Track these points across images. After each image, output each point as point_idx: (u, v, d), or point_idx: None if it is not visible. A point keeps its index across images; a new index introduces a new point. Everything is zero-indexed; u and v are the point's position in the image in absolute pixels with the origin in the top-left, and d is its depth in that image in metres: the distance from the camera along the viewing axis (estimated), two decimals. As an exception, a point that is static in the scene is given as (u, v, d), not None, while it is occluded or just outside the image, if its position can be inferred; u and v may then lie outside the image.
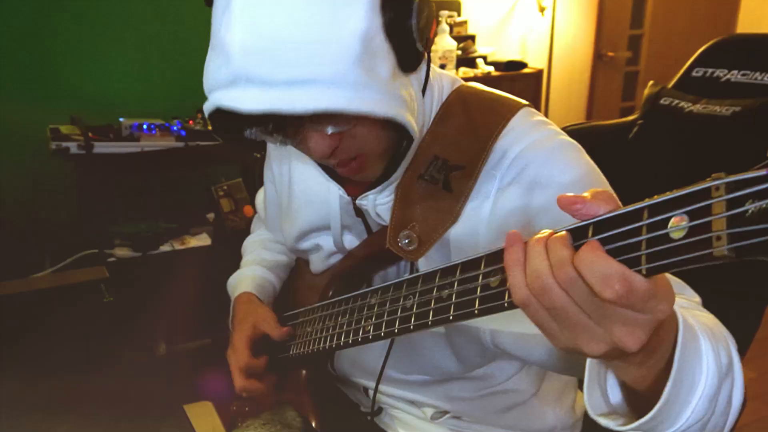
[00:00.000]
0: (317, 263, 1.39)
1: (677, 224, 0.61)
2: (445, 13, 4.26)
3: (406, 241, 1.13)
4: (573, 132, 1.76)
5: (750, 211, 0.56)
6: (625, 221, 0.68)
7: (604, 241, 0.68)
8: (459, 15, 4.49)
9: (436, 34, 1.11)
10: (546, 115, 4.82)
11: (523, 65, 4.38)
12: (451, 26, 4.25)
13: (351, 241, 1.31)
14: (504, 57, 4.51)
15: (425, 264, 1.18)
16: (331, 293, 1.32)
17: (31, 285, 2.46)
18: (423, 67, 1.11)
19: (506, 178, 1.11)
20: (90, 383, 1.17)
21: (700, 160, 1.55)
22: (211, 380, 1.45)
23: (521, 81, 4.33)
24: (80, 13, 3.41)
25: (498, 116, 1.16)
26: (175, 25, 3.64)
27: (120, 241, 3.38)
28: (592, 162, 1.16)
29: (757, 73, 1.52)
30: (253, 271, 1.53)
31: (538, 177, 1.09)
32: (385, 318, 1.06)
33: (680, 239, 0.62)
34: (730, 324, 1.41)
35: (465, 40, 4.39)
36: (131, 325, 2.38)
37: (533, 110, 1.21)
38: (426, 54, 1.05)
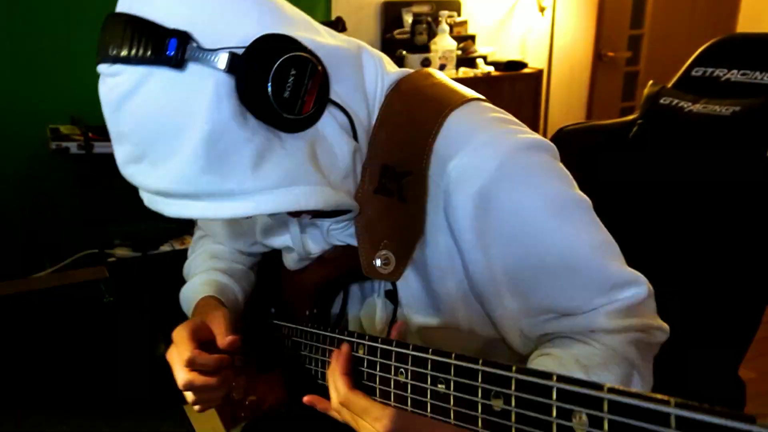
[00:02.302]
0: (290, 263, 1.32)
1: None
2: (445, 13, 4.26)
3: (383, 262, 1.07)
4: (573, 132, 1.77)
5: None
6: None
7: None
8: (459, 15, 4.49)
9: (322, 89, 0.97)
10: (546, 115, 4.85)
11: (523, 65, 4.38)
12: (451, 26, 4.26)
13: (317, 242, 1.22)
14: (504, 57, 4.51)
15: (403, 286, 1.15)
16: (313, 311, 1.28)
17: (31, 285, 2.46)
18: (329, 112, 1.01)
19: (452, 199, 1.04)
20: (90, 383, 1.16)
21: (700, 159, 1.55)
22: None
23: (521, 81, 4.32)
24: (81, 14, 3.41)
25: (435, 112, 1.08)
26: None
27: (120, 241, 3.38)
28: (557, 170, 1.08)
29: (757, 73, 1.53)
30: (209, 276, 1.39)
31: (489, 205, 1.01)
32: (378, 385, 1.00)
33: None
34: (729, 325, 1.42)
35: (465, 40, 4.39)
36: (131, 325, 2.39)
37: (483, 105, 1.13)
38: (313, 108, 0.96)
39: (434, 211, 1.07)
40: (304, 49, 0.93)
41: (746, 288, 1.43)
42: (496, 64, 4.32)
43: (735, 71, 1.57)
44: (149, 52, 0.88)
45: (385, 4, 4.32)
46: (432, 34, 4.15)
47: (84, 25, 3.43)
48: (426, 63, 4.04)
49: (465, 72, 4.17)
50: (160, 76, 0.89)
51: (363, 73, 1.08)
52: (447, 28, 4.14)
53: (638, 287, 1.06)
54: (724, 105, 1.50)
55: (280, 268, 1.35)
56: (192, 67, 0.88)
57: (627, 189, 1.65)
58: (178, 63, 0.87)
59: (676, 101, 1.58)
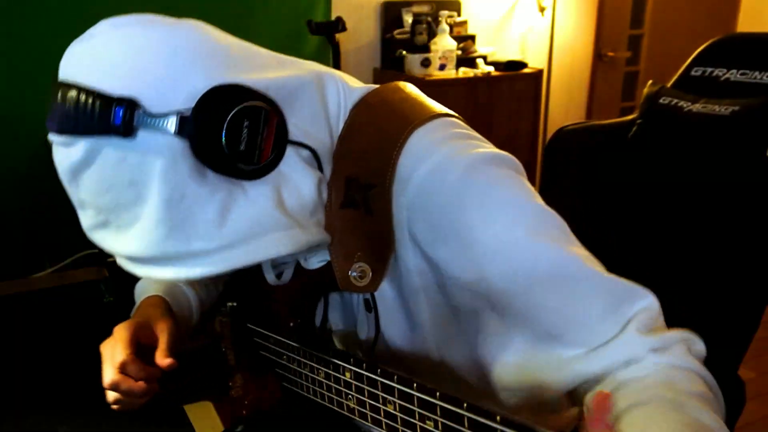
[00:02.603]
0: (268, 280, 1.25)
1: None
2: (445, 13, 4.27)
3: (358, 275, 1.04)
4: (572, 131, 1.78)
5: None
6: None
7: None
8: (459, 15, 4.50)
9: (279, 132, 0.95)
10: (546, 114, 4.86)
11: (523, 65, 4.38)
12: (451, 26, 4.26)
13: (292, 269, 1.19)
14: (504, 57, 4.52)
15: (380, 297, 1.13)
16: (297, 321, 1.24)
17: (30, 285, 2.47)
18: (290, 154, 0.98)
19: (413, 212, 1.03)
20: (90, 383, 1.16)
21: (699, 159, 1.55)
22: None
23: (521, 81, 4.33)
24: (80, 14, 3.41)
25: (400, 127, 1.06)
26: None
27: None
28: (521, 184, 1.04)
29: (756, 72, 1.53)
30: (165, 280, 1.33)
31: (443, 221, 1.00)
32: (369, 412, 0.99)
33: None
34: (729, 325, 1.42)
35: (465, 40, 4.39)
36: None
37: (449, 120, 1.10)
38: (272, 154, 0.94)
39: (399, 227, 1.05)
40: (255, 95, 0.91)
41: (746, 288, 1.44)
42: (496, 64, 4.33)
43: (734, 71, 1.57)
44: (96, 123, 0.85)
45: (385, 4, 4.32)
46: (432, 34, 4.16)
47: (84, 25, 3.44)
48: (426, 63, 4.04)
49: (465, 72, 4.17)
50: (111, 145, 0.87)
51: (325, 96, 1.06)
52: (447, 28, 4.14)
53: (647, 297, 1.01)
54: (723, 105, 1.51)
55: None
56: (142, 134, 0.86)
57: (627, 189, 1.65)
58: (127, 132, 0.85)
59: (675, 101, 1.59)
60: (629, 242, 1.61)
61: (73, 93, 0.87)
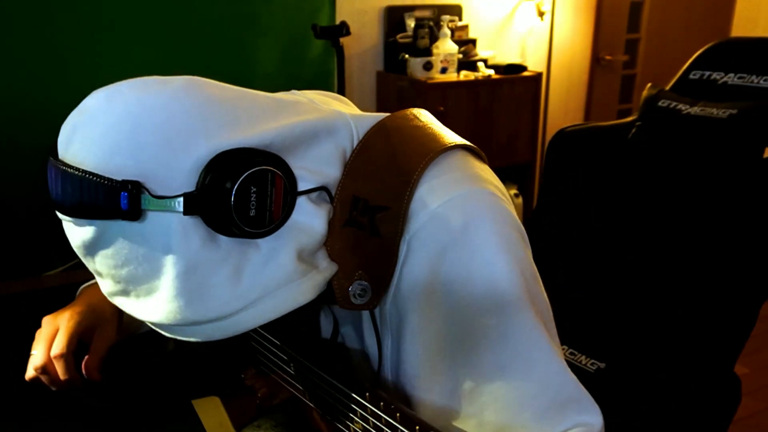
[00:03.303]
0: None
1: None
2: (446, 17, 4.27)
3: (358, 294, 0.99)
4: (572, 133, 1.78)
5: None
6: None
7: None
8: (460, 19, 4.50)
9: (287, 189, 0.91)
10: (545, 117, 4.86)
11: (523, 68, 4.38)
12: (453, 30, 4.26)
13: None
14: (504, 60, 4.52)
15: (381, 316, 1.07)
16: (300, 329, 1.23)
17: (43, 283, 2.48)
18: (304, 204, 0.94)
19: (417, 239, 0.97)
20: (101, 377, 1.17)
21: (697, 160, 1.56)
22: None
23: (521, 84, 4.33)
24: (89, 19, 3.42)
25: (422, 151, 1.01)
26: (184, 32, 3.65)
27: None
28: (522, 253, 1.00)
29: (754, 76, 1.54)
30: None
31: (445, 264, 0.95)
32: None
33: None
34: (726, 323, 1.42)
35: (466, 43, 4.39)
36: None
37: (469, 155, 1.07)
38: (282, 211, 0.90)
39: (403, 248, 1.00)
40: (259, 156, 0.88)
41: (742, 287, 1.44)
42: (497, 68, 4.33)
43: (732, 75, 1.58)
44: (103, 208, 0.83)
45: (388, 8, 4.32)
46: (434, 38, 4.16)
47: (95, 28, 3.45)
48: (428, 66, 4.04)
49: (466, 75, 4.18)
50: (121, 228, 0.85)
51: (332, 132, 1.01)
52: (448, 32, 4.15)
53: (596, 416, 0.97)
54: (721, 108, 1.51)
55: None
56: (151, 216, 0.84)
57: (626, 189, 1.65)
58: (134, 216, 0.83)
59: (674, 104, 1.59)
60: (629, 241, 1.61)
61: (75, 177, 0.84)
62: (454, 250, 0.95)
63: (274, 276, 0.92)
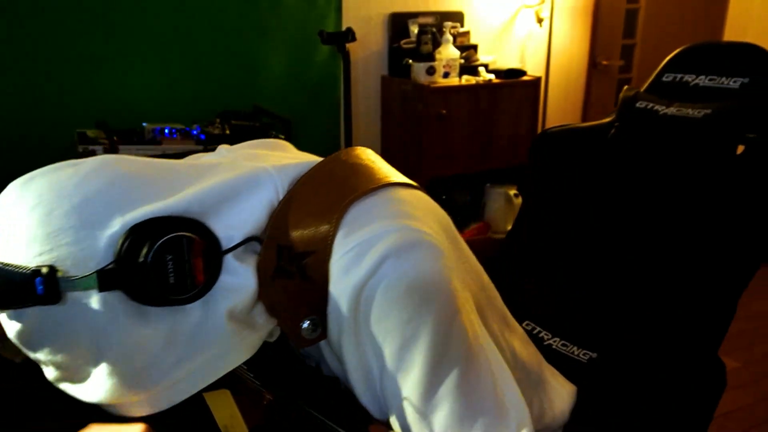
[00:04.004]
0: None
1: None
2: (448, 24, 4.28)
3: (311, 330, 0.96)
4: (555, 134, 1.80)
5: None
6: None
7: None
8: (462, 26, 4.51)
9: (208, 253, 0.88)
10: (544, 119, 4.88)
11: (523, 73, 4.39)
12: (455, 36, 4.27)
13: None
14: (504, 65, 4.52)
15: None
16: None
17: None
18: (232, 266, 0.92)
19: (334, 277, 0.93)
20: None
21: (675, 158, 1.58)
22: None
23: (520, 88, 4.34)
24: (106, 26, 3.46)
25: (346, 192, 0.98)
26: (195, 37, 3.68)
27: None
28: (437, 281, 0.93)
29: (724, 78, 1.56)
30: None
31: (361, 306, 0.91)
32: None
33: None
34: (707, 311, 1.45)
35: (468, 49, 4.40)
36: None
37: (398, 190, 1.02)
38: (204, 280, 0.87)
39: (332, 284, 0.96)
40: (174, 223, 0.86)
41: (721, 276, 1.46)
42: (497, 72, 4.34)
43: (703, 77, 1.60)
44: (21, 296, 0.80)
45: (392, 15, 4.34)
46: (437, 43, 4.17)
47: (109, 36, 3.48)
48: (431, 71, 4.06)
49: (468, 79, 4.19)
50: (46, 314, 0.83)
51: (257, 186, 0.98)
52: (451, 38, 4.15)
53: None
54: (696, 108, 1.54)
55: None
56: (72, 298, 0.82)
57: (608, 187, 1.68)
58: (52, 299, 0.81)
59: (651, 105, 1.62)
60: (612, 237, 1.63)
61: None
62: (366, 290, 0.90)
63: (207, 340, 0.90)
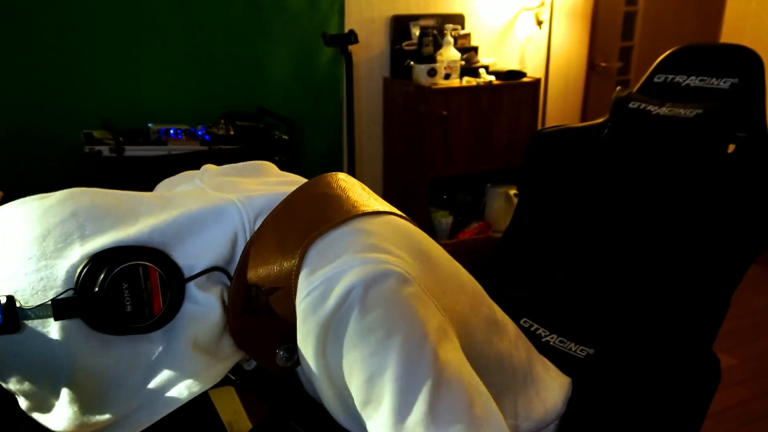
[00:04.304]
0: None
1: None
2: (449, 26, 4.28)
3: (285, 358, 0.97)
4: (549, 134, 1.82)
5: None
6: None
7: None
8: (463, 28, 4.51)
9: (166, 281, 0.87)
10: (543, 120, 4.89)
11: (522, 74, 4.39)
12: (456, 38, 4.27)
13: None
14: (504, 67, 4.52)
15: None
16: None
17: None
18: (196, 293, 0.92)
19: (313, 303, 0.90)
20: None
21: (668, 156, 1.59)
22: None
23: (520, 89, 4.34)
24: (113, 29, 3.47)
25: (310, 227, 0.96)
26: (199, 39, 3.69)
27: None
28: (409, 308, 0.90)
29: (713, 79, 1.58)
30: None
31: (328, 341, 0.90)
32: None
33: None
34: (701, 306, 1.45)
35: (468, 51, 4.40)
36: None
37: (357, 227, 0.99)
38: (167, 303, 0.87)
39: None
40: (129, 253, 0.85)
41: (714, 271, 1.47)
42: (497, 74, 4.34)
43: (693, 77, 1.62)
44: None
45: (394, 17, 4.35)
46: (438, 45, 4.17)
47: (116, 38, 3.50)
48: (432, 72, 4.06)
49: (468, 81, 4.19)
50: (10, 345, 0.83)
51: (221, 218, 0.97)
52: (452, 40, 4.15)
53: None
54: (687, 108, 1.55)
55: None
56: (29, 326, 0.82)
57: (602, 185, 1.69)
58: (11, 329, 0.81)
59: (644, 105, 1.63)
60: (607, 235, 1.64)
61: None
62: (332, 328, 0.89)
63: (170, 368, 0.90)
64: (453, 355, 0.93)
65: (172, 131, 3.33)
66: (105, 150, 3.14)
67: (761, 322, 3.78)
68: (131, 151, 3.18)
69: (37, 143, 3.43)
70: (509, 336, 1.22)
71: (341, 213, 0.99)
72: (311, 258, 0.94)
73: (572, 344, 1.53)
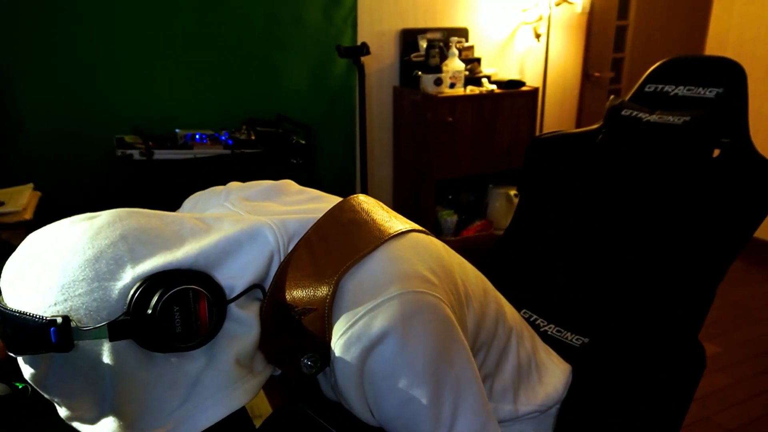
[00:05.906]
0: None
1: None
2: (454, 39, 4.29)
3: (310, 366, 0.95)
4: (547, 139, 1.81)
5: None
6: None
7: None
8: (467, 41, 4.51)
9: (212, 303, 0.87)
10: (541, 126, 4.88)
11: (522, 84, 4.39)
12: (460, 50, 4.27)
13: None
14: (505, 76, 4.52)
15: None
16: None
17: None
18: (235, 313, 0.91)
19: (339, 349, 0.91)
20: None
21: (657, 161, 1.59)
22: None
23: (520, 97, 4.34)
24: (143, 41, 3.48)
25: (345, 253, 0.96)
26: (223, 51, 3.70)
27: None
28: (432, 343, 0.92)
29: (700, 88, 1.58)
30: None
31: (366, 368, 0.91)
32: None
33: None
34: (687, 298, 1.45)
35: (472, 62, 4.40)
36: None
37: (390, 252, 0.98)
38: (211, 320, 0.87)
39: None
40: (181, 276, 0.85)
41: (700, 267, 1.46)
42: (499, 83, 4.33)
43: (682, 87, 1.61)
44: (36, 343, 0.80)
45: (403, 31, 4.35)
46: (444, 56, 4.17)
47: (146, 52, 3.51)
48: (438, 82, 4.06)
49: (472, 89, 4.19)
50: (60, 360, 0.83)
51: (259, 241, 0.96)
52: (456, 51, 4.15)
53: None
54: (676, 115, 1.55)
55: None
56: (83, 346, 0.82)
57: (596, 187, 1.69)
58: (65, 348, 0.80)
59: (635, 113, 1.63)
60: (602, 234, 1.64)
61: (9, 317, 0.82)
62: (370, 360, 0.90)
63: (211, 384, 0.89)
64: (470, 373, 0.98)
65: (197, 136, 3.34)
66: (135, 153, 3.15)
67: (743, 313, 3.78)
68: (160, 154, 3.19)
69: (74, 147, 3.44)
70: (517, 326, 1.25)
71: (371, 239, 0.99)
72: (347, 290, 0.94)
73: (569, 334, 1.53)
